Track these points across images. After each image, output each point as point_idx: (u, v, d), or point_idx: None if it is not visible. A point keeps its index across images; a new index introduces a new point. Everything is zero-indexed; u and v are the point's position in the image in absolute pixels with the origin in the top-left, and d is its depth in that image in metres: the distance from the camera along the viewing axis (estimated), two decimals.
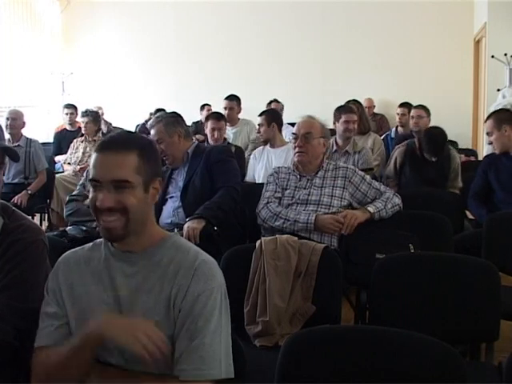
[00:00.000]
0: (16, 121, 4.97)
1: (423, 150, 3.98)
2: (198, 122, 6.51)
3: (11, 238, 1.60)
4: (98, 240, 1.47)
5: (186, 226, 2.68)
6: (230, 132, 5.30)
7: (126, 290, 1.39)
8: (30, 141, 5.05)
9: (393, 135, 5.69)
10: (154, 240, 1.42)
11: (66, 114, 6.29)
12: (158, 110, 6.70)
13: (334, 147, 4.13)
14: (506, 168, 3.37)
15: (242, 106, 5.62)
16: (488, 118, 3.53)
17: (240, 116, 5.62)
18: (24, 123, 5.06)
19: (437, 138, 3.95)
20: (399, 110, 5.80)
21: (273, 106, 6.20)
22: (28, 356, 1.43)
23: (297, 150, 2.92)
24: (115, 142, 1.38)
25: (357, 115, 4.39)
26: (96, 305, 1.40)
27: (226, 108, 5.40)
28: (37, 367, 1.39)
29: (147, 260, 1.40)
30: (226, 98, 5.48)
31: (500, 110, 3.79)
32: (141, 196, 1.37)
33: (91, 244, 1.48)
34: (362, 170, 3.82)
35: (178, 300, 1.35)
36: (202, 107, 6.78)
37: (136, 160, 1.36)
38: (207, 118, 4.55)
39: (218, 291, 1.36)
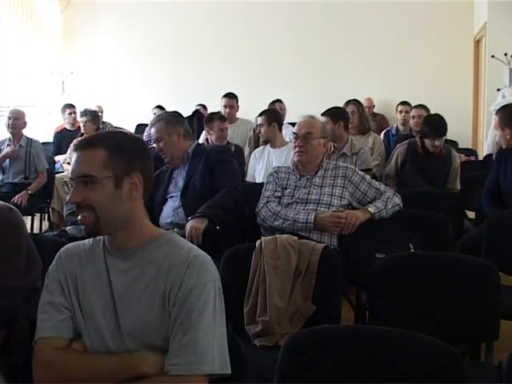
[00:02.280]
0: (18, 120, 4.97)
1: (425, 135, 3.97)
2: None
3: None
4: (99, 236, 1.48)
5: (188, 225, 2.67)
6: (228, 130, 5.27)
7: (121, 286, 1.39)
8: (30, 141, 5.06)
9: (394, 132, 5.70)
10: (147, 237, 1.43)
11: (70, 113, 6.29)
12: (158, 107, 6.73)
13: (332, 148, 4.12)
14: None
15: (241, 105, 5.62)
16: (496, 112, 3.55)
17: (240, 116, 5.61)
18: (25, 123, 5.07)
19: (437, 120, 4.01)
20: (401, 108, 5.79)
21: (276, 106, 6.18)
22: (18, 338, 1.42)
23: (297, 149, 2.92)
24: (85, 140, 1.42)
25: (357, 115, 4.39)
26: (94, 299, 1.41)
27: (226, 106, 5.39)
28: (44, 359, 1.39)
29: (141, 257, 1.40)
30: (226, 96, 5.47)
31: (507, 107, 3.71)
32: (109, 192, 1.37)
33: (92, 239, 1.49)
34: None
35: (172, 295, 1.35)
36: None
37: (103, 154, 1.36)
38: (211, 119, 4.54)
39: (211, 286, 1.36)
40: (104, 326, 1.39)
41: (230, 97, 5.47)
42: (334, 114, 4.09)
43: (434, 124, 3.96)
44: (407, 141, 4.24)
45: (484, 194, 3.47)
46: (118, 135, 1.48)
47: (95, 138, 1.43)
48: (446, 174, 4.05)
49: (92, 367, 1.37)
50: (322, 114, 4.12)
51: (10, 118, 4.95)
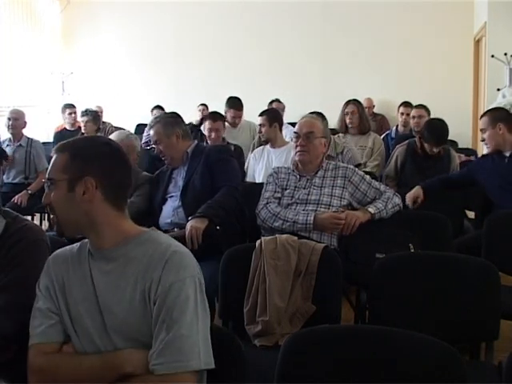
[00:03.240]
0: (18, 121, 4.98)
1: (425, 140, 3.94)
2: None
3: (15, 237, 1.67)
4: (86, 240, 1.49)
5: (188, 225, 2.66)
6: (229, 129, 5.22)
7: (103, 286, 1.41)
8: (31, 141, 5.06)
9: (393, 135, 5.69)
10: (123, 236, 1.43)
11: (70, 113, 6.29)
12: (157, 107, 6.72)
13: None
14: (504, 169, 3.32)
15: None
16: (483, 114, 3.49)
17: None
18: (25, 123, 5.07)
19: (438, 127, 3.96)
20: (402, 110, 5.77)
21: (274, 105, 6.18)
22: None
23: (298, 149, 2.92)
24: (58, 145, 1.48)
25: (357, 115, 4.40)
26: (80, 301, 1.42)
27: (234, 117, 5.24)
28: (36, 364, 1.40)
29: (122, 257, 1.41)
30: (233, 108, 5.26)
31: (496, 107, 3.75)
32: (64, 194, 1.41)
33: (80, 243, 1.51)
34: None
35: (151, 293, 1.35)
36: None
37: (65, 159, 1.43)
38: (204, 118, 4.50)
39: (191, 281, 1.36)
40: (91, 327, 1.40)
41: (239, 108, 5.26)
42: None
43: (435, 132, 3.91)
44: (407, 141, 4.23)
45: (442, 178, 3.55)
46: (86, 140, 1.55)
47: (66, 143, 1.48)
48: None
49: (79, 370, 1.38)
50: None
51: (9, 119, 4.95)
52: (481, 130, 3.45)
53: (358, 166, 3.89)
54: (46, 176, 1.46)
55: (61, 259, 1.49)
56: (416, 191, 3.42)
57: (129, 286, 1.38)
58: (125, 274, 1.39)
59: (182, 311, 1.32)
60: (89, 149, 1.45)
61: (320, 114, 4.06)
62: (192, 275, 1.37)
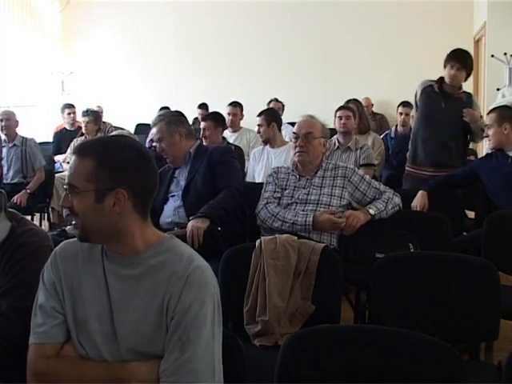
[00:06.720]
0: (10, 121, 4.98)
1: (451, 65, 3.93)
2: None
3: (19, 241, 1.65)
4: None
5: (190, 224, 2.65)
6: (229, 137, 5.27)
7: (118, 292, 1.36)
8: (25, 140, 5.07)
9: (392, 135, 5.69)
10: (146, 244, 1.38)
11: (69, 113, 6.30)
12: (163, 108, 6.72)
13: (337, 144, 4.16)
14: (507, 169, 3.31)
15: (243, 105, 5.62)
16: (492, 110, 3.51)
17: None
18: (17, 122, 5.06)
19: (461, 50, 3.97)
20: (402, 110, 5.76)
21: (272, 105, 6.19)
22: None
23: (297, 149, 2.92)
24: (79, 147, 1.37)
25: (355, 113, 4.41)
26: (90, 303, 1.38)
27: (229, 114, 5.37)
28: (37, 368, 1.36)
29: (141, 264, 1.37)
30: (230, 104, 5.46)
31: (505, 105, 3.73)
32: (90, 204, 1.32)
33: None
34: (363, 165, 3.87)
35: (170, 308, 1.32)
36: (200, 106, 6.84)
37: (90, 166, 1.32)
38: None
39: (210, 300, 1.33)
40: (98, 331, 1.36)
41: (234, 105, 5.46)
42: (355, 109, 4.47)
43: (457, 51, 3.91)
44: (424, 85, 4.16)
45: (446, 177, 3.52)
46: (112, 145, 1.39)
47: (88, 146, 1.38)
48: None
49: (83, 377, 1.35)
50: (343, 108, 4.32)
51: (1, 120, 4.95)
52: (485, 125, 3.48)
53: (371, 165, 3.98)
54: (66, 180, 1.36)
55: (70, 254, 1.43)
56: (422, 200, 3.35)
57: (146, 295, 1.34)
58: (143, 282, 1.35)
59: (199, 331, 1.30)
60: (117, 156, 1.34)
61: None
62: (212, 293, 1.34)
